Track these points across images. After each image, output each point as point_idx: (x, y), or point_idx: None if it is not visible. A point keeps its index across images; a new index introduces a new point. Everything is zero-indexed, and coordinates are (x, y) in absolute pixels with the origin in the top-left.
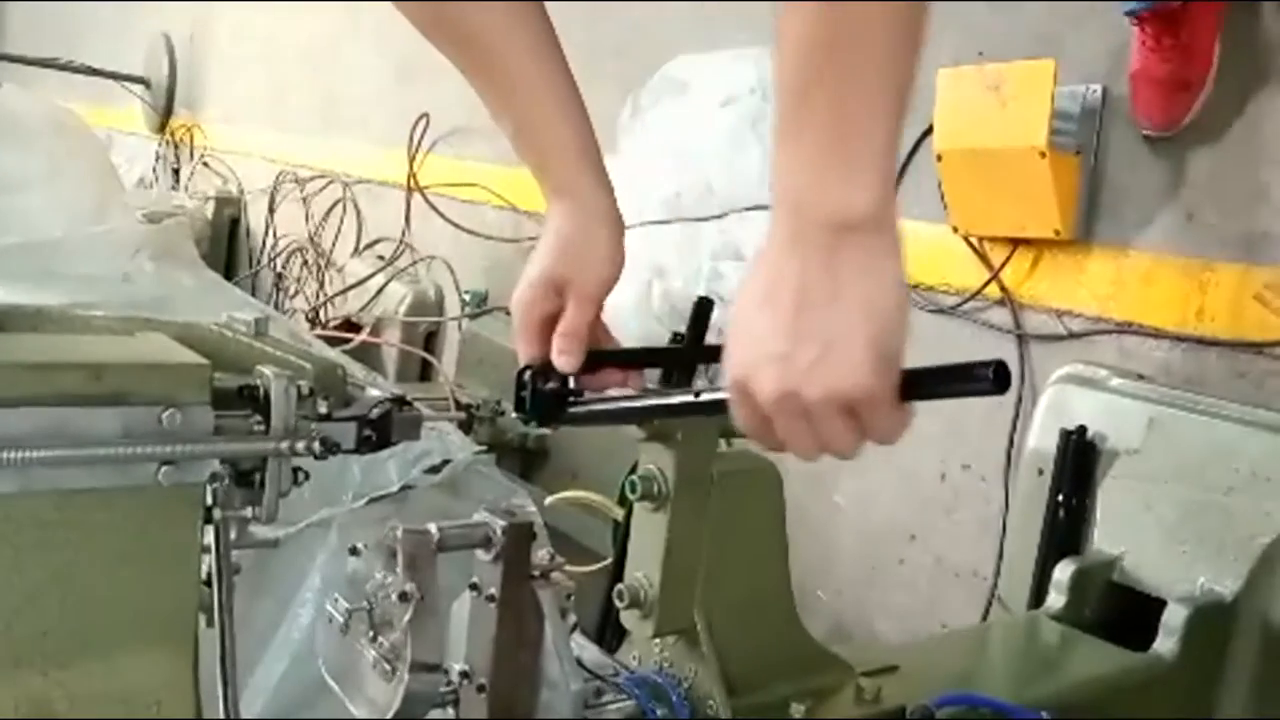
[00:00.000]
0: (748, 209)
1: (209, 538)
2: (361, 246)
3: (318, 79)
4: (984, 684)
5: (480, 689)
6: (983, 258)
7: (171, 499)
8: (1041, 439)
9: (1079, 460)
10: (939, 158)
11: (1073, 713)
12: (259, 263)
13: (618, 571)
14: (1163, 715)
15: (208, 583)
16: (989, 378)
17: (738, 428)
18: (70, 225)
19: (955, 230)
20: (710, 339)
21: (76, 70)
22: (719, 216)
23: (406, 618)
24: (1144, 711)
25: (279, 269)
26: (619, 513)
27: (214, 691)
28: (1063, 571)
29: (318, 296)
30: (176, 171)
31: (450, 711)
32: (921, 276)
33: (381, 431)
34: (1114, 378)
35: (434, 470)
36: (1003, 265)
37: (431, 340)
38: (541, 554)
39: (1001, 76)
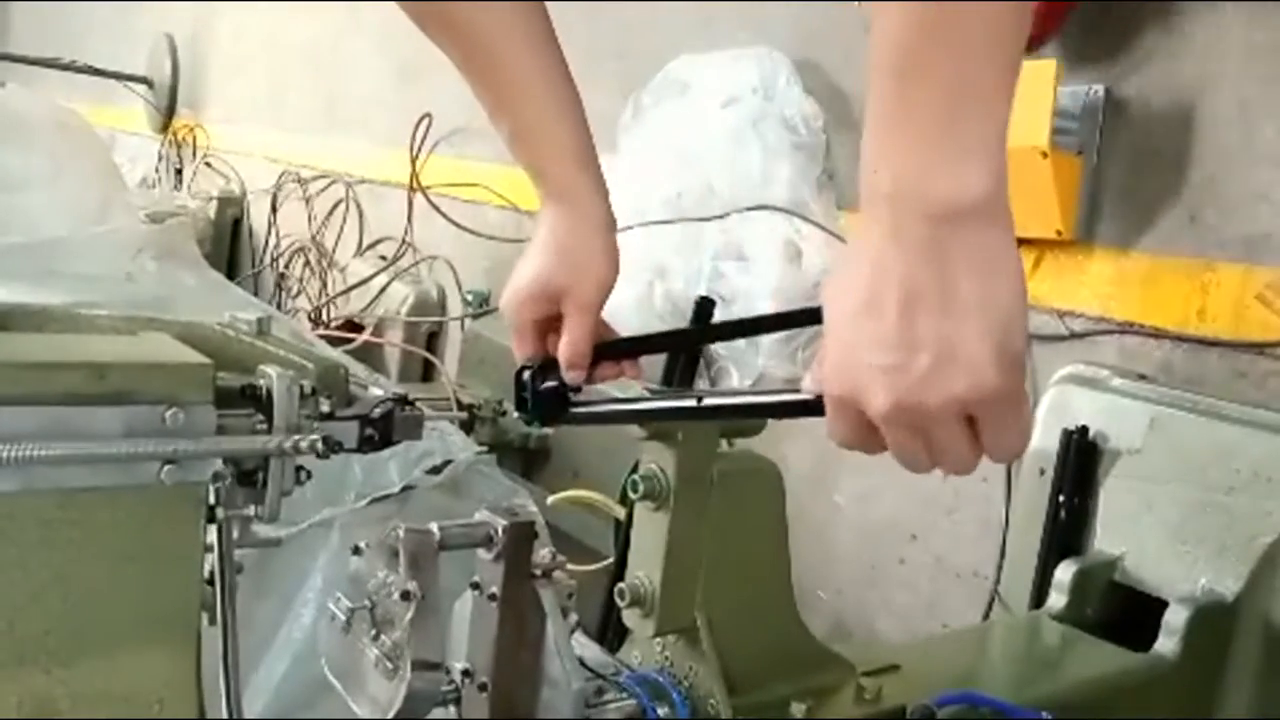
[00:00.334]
0: (749, 209)
1: (211, 537)
2: (364, 246)
3: (320, 79)
4: (985, 684)
5: (482, 688)
6: None
7: (174, 498)
8: (1043, 439)
9: (1080, 460)
10: None
11: (1073, 713)
12: (261, 262)
13: (619, 571)
14: (1164, 716)
15: (210, 581)
16: None
17: (833, 440)
18: (73, 225)
19: None
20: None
21: (79, 70)
22: (720, 217)
23: (408, 617)
24: (1145, 712)
25: (281, 269)
26: (620, 512)
27: (216, 690)
28: (1064, 572)
29: (320, 296)
30: (179, 171)
31: (452, 710)
32: None
33: (384, 431)
34: (1115, 378)
35: (435, 470)
36: None
37: (433, 340)
38: (543, 553)
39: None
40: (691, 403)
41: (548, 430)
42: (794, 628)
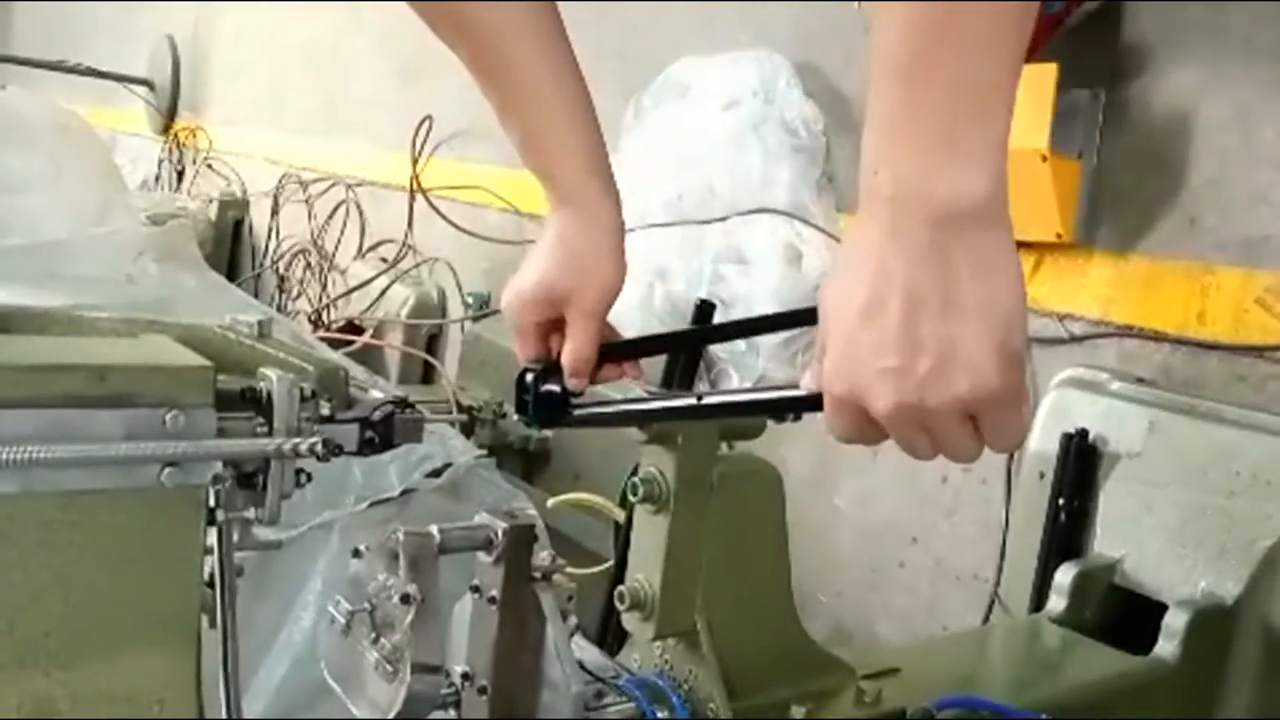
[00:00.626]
0: (750, 212)
1: (211, 539)
2: (364, 249)
3: (321, 81)
4: (985, 687)
5: (481, 691)
6: None
7: (174, 500)
8: (1043, 442)
9: (1080, 463)
10: None
11: (1073, 716)
12: (262, 264)
13: (619, 574)
14: (1164, 719)
15: (210, 584)
16: None
17: (833, 435)
18: (74, 227)
19: None
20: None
21: (80, 72)
22: (721, 219)
23: (408, 620)
24: (1145, 715)
25: (282, 271)
26: (620, 515)
27: (216, 692)
28: (1064, 575)
29: (320, 298)
30: (180, 173)
31: (452, 713)
32: None
33: (384, 434)
34: (1115, 381)
35: (436, 473)
36: None
37: (434, 342)
38: (543, 556)
39: None
40: (691, 401)
41: (548, 432)
42: (794, 631)
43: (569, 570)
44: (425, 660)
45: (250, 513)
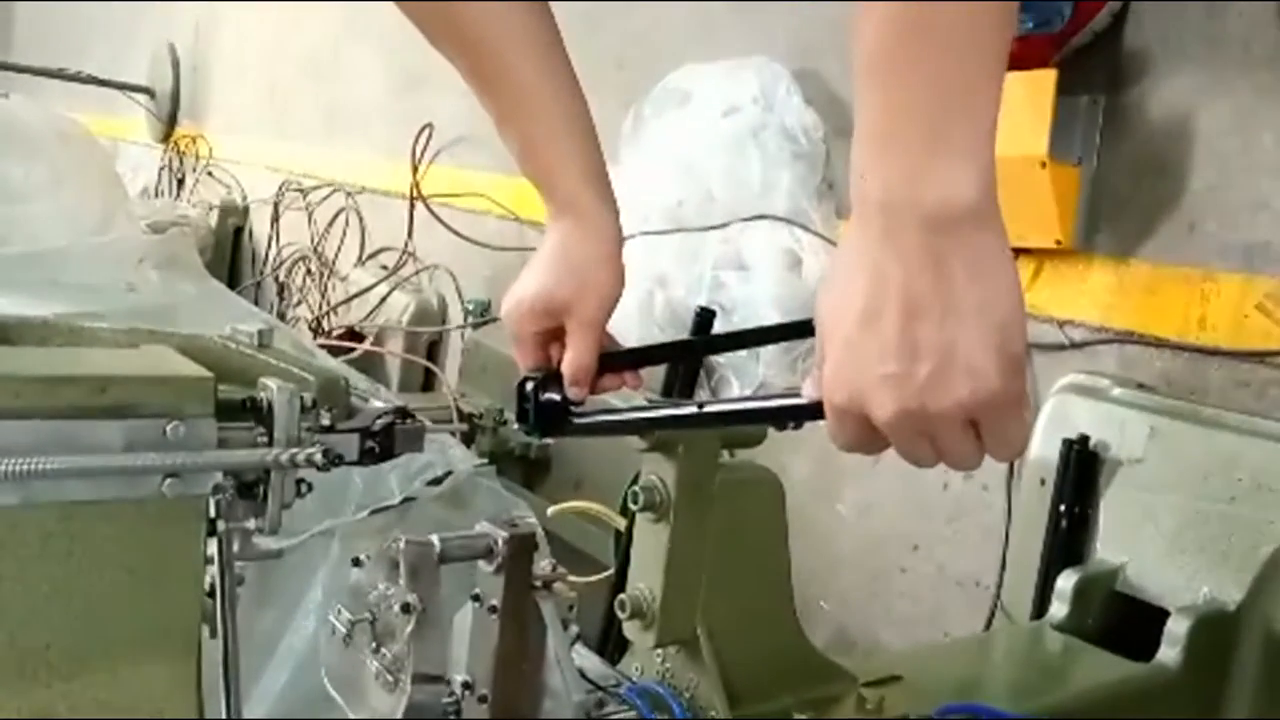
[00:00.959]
0: (749, 219)
1: (212, 549)
2: (364, 256)
3: (321, 89)
4: (987, 694)
5: (482, 700)
6: None
7: (175, 511)
8: (1044, 448)
9: (1081, 470)
10: None
11: None
12: (262, 272)
13: (620, 582)
14: None
15: (211, 594)
16: None
17: (835, 444)
18: (75, 235)
19: None
20: None
21: (81, 80)
22: (721, 226)
23: (409, 629)
24: None
25: (282, 278)
26: (621, 523)
27: (217, 702)
28: (1065, 581)
29: (321, 306)
30: (180, 181)
31: None
32: None
33: (384, 443)
34: (1116, 387)
35: (436, 482)
36: None
37: (434, 349)
38: (543, 564)
39: (1003, 87)
40: (693, 410)
41: (549, 440)
42: (795, 639)
43: (570, 579)
44: (426, 669)
45: (251, 523)
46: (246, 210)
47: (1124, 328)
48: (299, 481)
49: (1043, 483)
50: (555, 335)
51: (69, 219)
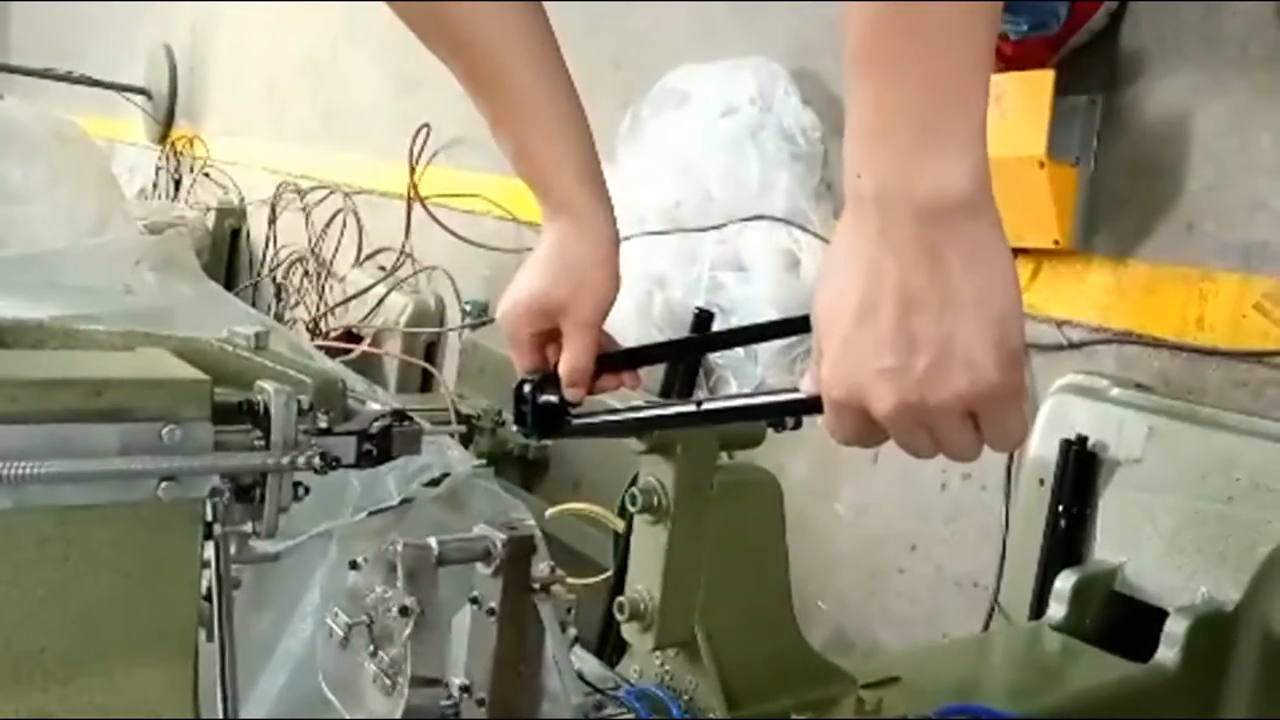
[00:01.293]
0: (748, 219)
1: (209, 553)
2: (362, 257)
3: (318, 90)
4: (985, 695)
5: (480, 703)
6: None
7: (171, 514)
8: (1042, 449)
9: (1079, 470)
10: None
11: None
12: (259, 273)
13: (618, 584)
14: None
15: (208, 598)
16: None
17: (834, 438)
18: (71, 236)
19: None
20: None
21: (78, 81)
22: (719, 227)
23: (406, 632)
24: None
25: (279, 279)
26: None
27: (214, 705)
28: (1064, 581)
29: (318, 307)
30: (177, 182)
31: None
32: None
33: (382, 446)
34: (1114, 387)
35: (434, 483)
36: None
37: (432, 350)
38: (542, 567)
39: (1002, 88)
40: (691, 408)
41: (547, 441)
42: (794, 640)
43: (568, 581)
44: (424, 672)
45: (248, 526)
46: (244, 211)
47: (1122, 328)
48: (296, 484)
49: (1041, 483)
50: (552, 336)
51: (65, 220)
